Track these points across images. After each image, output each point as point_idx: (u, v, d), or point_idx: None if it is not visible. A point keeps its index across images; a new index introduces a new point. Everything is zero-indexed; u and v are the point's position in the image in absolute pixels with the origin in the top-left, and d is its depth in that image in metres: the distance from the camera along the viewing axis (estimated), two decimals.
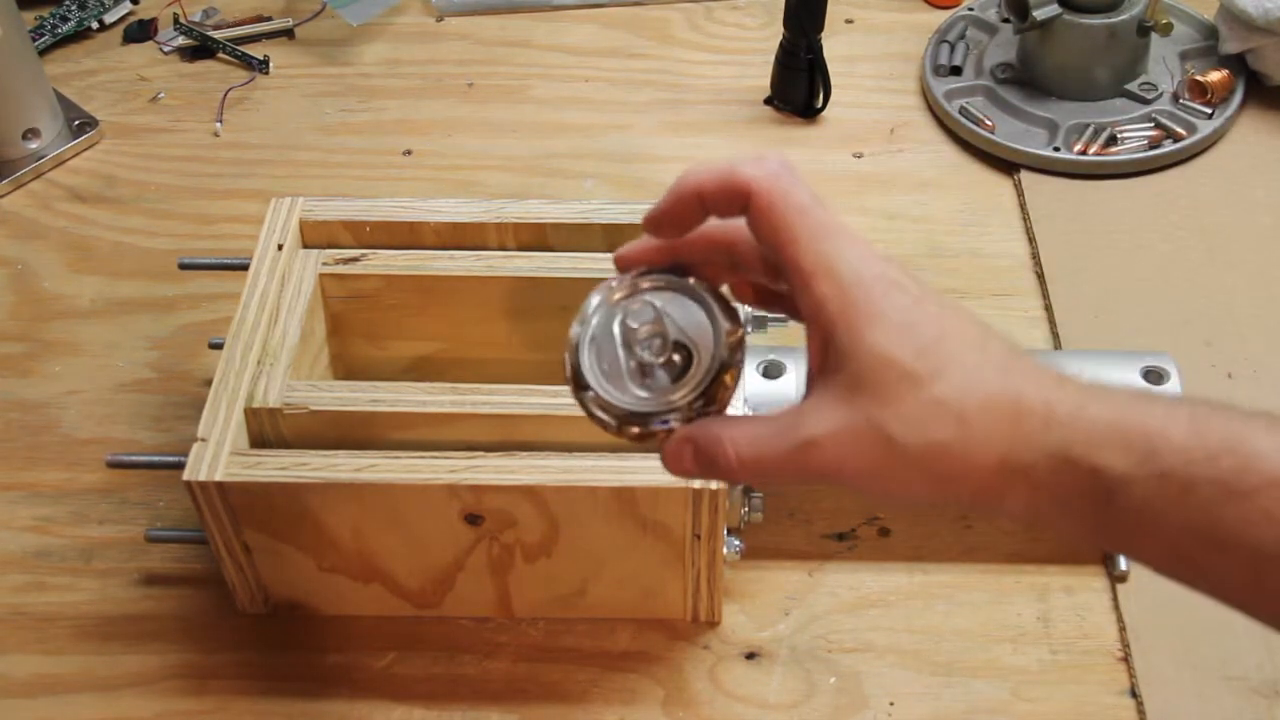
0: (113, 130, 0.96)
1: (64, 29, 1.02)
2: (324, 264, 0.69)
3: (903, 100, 0.96)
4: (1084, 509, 0.41)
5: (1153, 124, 0.90)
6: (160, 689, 0.66)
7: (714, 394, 0.45)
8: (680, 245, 0.47)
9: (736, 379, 0.46)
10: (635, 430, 0.45)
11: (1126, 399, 0.42)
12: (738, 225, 0.46)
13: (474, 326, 0.70)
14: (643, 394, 0.45)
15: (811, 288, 0.43)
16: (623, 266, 0.48)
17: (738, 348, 0.45)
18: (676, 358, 0.46)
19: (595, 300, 0.47)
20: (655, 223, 0.46)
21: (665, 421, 0.45)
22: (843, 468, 0.42)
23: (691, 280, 0.47)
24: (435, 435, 0.63)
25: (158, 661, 0.67)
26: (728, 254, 0.47)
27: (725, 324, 0.46)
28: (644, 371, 0.46)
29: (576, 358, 0.46)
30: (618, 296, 0.47)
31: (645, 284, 0.47)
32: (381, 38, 1.03)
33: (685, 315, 0.46)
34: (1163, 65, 0.94)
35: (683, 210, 0.45)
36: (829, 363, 0.43)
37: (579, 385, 0.46)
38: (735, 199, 0.44)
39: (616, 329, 0.46)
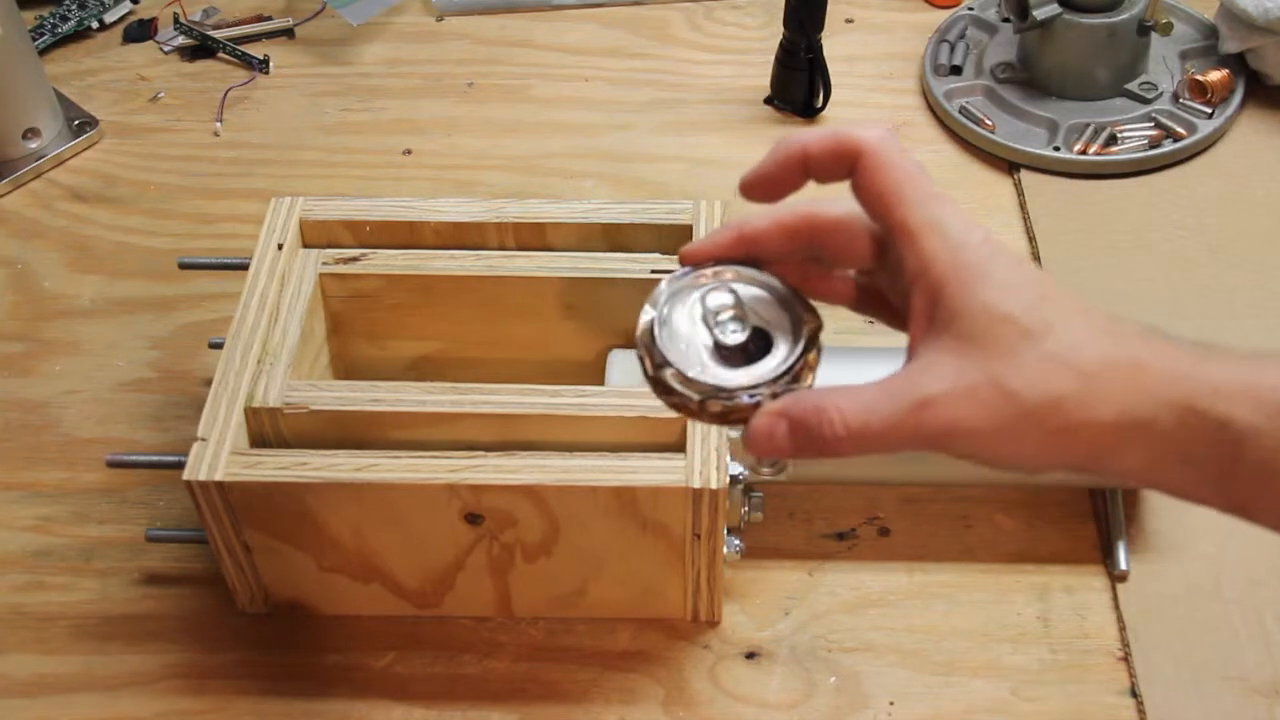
0: (113, 130, 0.96)
1: (64, 28, 1.02)
2: (324, 264, 0.69)
3: (903, 100, 0.96)
4: (1209, 463, 0.41)
5: (1153, 124, 0.90)
6: (160, 689, 0.66)
7: (799, 373, 0.45)
8: (753, 239, 0.47)
9: (818, 362, 0.45)
10: (718, 407, 0.44)
11: (1244, 356, 0.42)
12: (819, 212, 0.46)
13: (474, 326, 0.70)
14: (724, 372, 0.45)
15: (921, 246, 0.43)
16: (689, 262, 0.47)
17: (818, 332, 0.46)
18: (752, 345, 0.45)
19: (667, 287, 0.47)
20: (755, 185, 0.47)
21: (753, 396, 0.44)
22: (959, 426, 0.42)
23: (764, 272, 0.47)
24: (435, 435, 0.63)
25: (158, 661, 0.67)
26: (808, 242, 0.47)
27: (802, 310, 0.46)
28: (720, 353, 0.45)
29: (651, 337, 0.45)
30: (701, 280, 0.47)
31: (727, 273, 0.47)
32: (381, 37, 1.03)
33: (761, 302, 0.46)
34: (1163, 65, 0.94)
35: (786, 172, 0.46)
36: (937, 322, 0.43)
37: (656, 363, 0.45)
38: (843, 160, 0.45)
39: (693, 311, 0.46)
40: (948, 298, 0.43)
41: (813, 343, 0.45)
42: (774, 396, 0.44)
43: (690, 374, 0.45)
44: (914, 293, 0.44)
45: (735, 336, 0.45)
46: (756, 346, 0.46)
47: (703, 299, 0.46)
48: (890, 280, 0.47)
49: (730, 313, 0.46)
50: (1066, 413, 0.42)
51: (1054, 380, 0.41)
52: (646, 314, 0.46)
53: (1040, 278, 0.43)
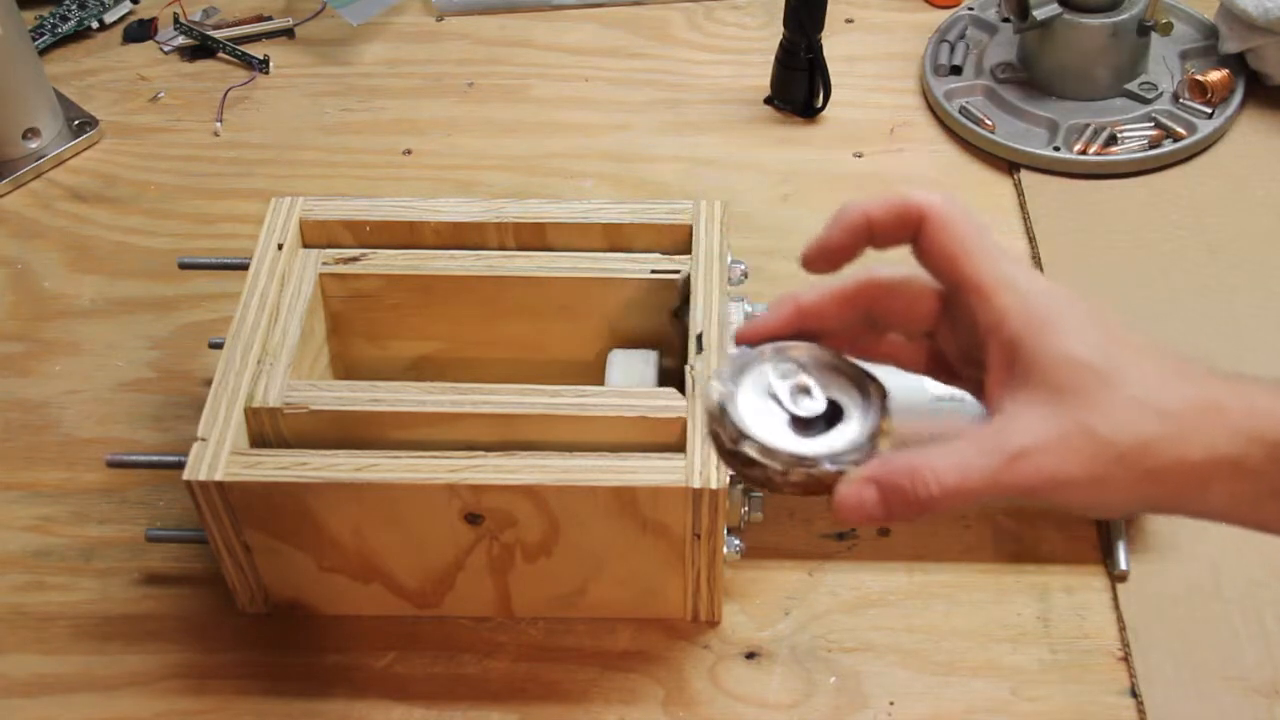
0: (113, 130, 0.96)
1: (64, 28, 1.02)
2: (324, 263, 0.69)
3: (903, 100, 0.96)
4: None
5: (1153, 124, 0.90)
6: (160, 689, 0.66)
7: (877, 439, 0.45)
8: (810, 313, 0.48)
9: (891, 426, 0.46)
10: (801, 476, 0.45)
11: None
12: (878, 277, 0.47)
13: (474, 326, 0.70)
14: (802, 442, 0.45)
15: (994, 300, 0.44)
16: (746, 342, 0.48)
17: (886, 397, 0.46)
18: (826, 416, 0.46)
19: (730, 365, 0.47)
20: (818, 256, 0.47)
21: (835, 464, 0.44)
22: (1053, 475, 0.42)
23: (818, 344, 0.48)
24: (435, 435, 0.63)
25: (158, 661, 0.67)
26: (867, 309, 0.47)
27: (865, 377, 0.47)
28: (796, 425, 0.46)
29: (723, 412, 0.46)
30: (764, 355, 0.47)
31: (789, 349, 0.47)
32: (381, 37, 1.03)
33: (824, 372, 0.47)
34: (1163, 65, 0.94)
35: (851, 239, 0.46)
36: (1017, 374, 0.44)
37: (733, 437, 0.45)
38: (907, 223, 0.46)
39: (760, 385, 0.46)
40: (1025, 350, 0.43)
41: (885, 408, 0.46)
42: (856, 464, 0.45)
43: (773, 444, 0.45)
44: (989, 348, 0.45)
45: (809, 408, 0.46)
46: (829, 416, 0.46)
47: (769, 373, 0.47)
48: (952, 338, 0.48)
49: (800, 385, 0.46)
50: (1155, 455, 0.42)
51: (1140, 423, 0.42)
52: (715, 391, 0.46)
53: (1109, 324, 0.44)
